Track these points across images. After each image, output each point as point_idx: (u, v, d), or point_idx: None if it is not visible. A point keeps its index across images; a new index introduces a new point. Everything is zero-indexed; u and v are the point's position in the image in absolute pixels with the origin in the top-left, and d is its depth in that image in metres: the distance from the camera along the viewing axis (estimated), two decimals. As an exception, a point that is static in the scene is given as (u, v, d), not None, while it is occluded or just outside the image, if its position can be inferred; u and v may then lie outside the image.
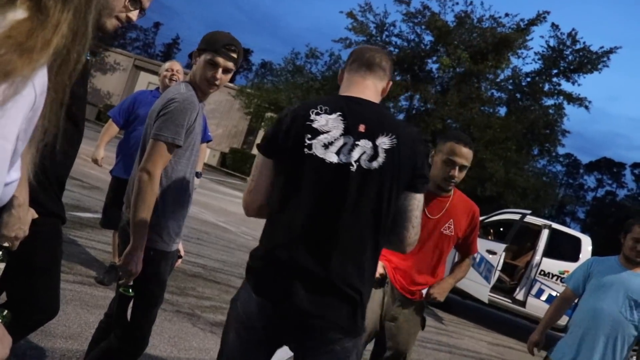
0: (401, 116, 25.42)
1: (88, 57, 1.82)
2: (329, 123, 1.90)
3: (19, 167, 0.87)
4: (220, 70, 2.49)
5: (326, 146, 1.88)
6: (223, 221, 10.89)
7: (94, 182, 9.97)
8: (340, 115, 1.92)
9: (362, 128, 1.90)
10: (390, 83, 2.14)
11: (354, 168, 1.86)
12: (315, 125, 1.90)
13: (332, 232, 1.85)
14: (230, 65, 2.51)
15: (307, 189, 1.87)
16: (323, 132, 1.89)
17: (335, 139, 1.89)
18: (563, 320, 7.36)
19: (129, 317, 2.49)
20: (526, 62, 36.75)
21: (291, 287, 1.83)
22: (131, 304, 2.48)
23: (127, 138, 4.92)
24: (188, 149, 2.51)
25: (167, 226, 2.49)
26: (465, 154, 2.88)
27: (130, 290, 2.43)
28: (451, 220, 2.97)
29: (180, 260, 2.90)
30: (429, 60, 25.45)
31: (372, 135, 1.89)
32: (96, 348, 2.58)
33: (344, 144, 1.88)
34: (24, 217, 1.79)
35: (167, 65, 4.92)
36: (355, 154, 1.87)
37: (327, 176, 1.87)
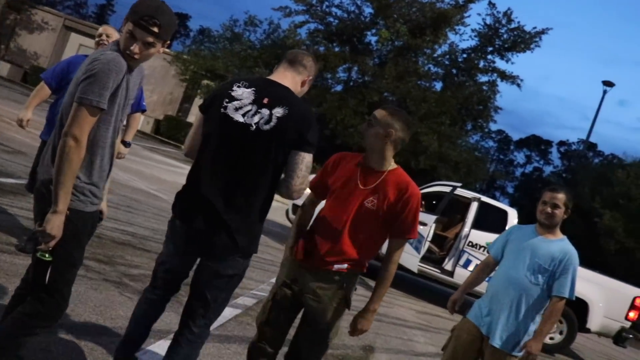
0: (339, 88, 25.46)
1: None
2: (244, 94, 2.63)
3: None
4: (138, 43, 2.37)
5: (237, 109, 2.60)
6: (155, 189, 10.66)
7: (18, 146, 9.54)
8: (254, 90, 2.64)
9: (265, 101, 2.60)
10: (310, 78, 2.85)
11: (253, 128, 2.57)
12: (233, 94, 2.64)
13: (229, 175, 2.58)
14: (150, 39, 2.37)
15: (217, 140, 2.61)
16: (237, 99, 2.62)
17: (244, 106, 2.60)
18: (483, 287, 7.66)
19: (47, 280, 2.41)
20: (463, 38, 37.49)
21: (197, 215, 2.62)
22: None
23: (58, 102, 4.71)
24: (112, 113, 2.43)
25: (84, 187, 2.44)
26: (374, 112, 2.95)
27: (47, 255, 2.36)
28: (377, 194, 2.86)
29: (102, 222, 2.83)
30: (368, 33, 25.49)
31: (271, 106, 2.59)
32: (14, 311, 2.49)
33: (249, 110, 2.59)
34: None
35: (100, 30, 4.71)
36: (256, 118, 2.57)
37: (232, 131, 2.58)
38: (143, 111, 5.21)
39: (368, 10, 25.23)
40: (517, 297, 3.51)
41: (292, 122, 2.56)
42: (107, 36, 4.57)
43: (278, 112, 2.57)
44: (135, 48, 2.37)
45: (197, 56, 28.06)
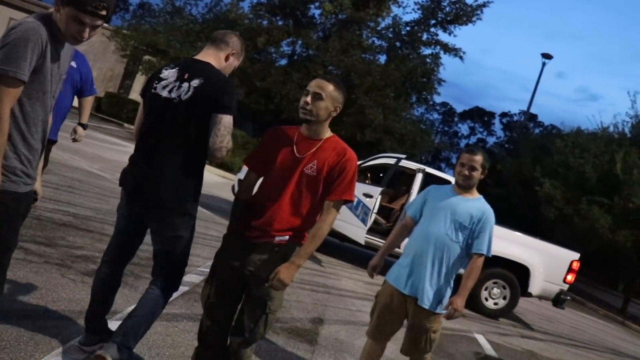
0: (283, 62, 25.23)
1: None
2: (169, 74, 3.03)
3: None
4: (87, 29, 2.33)
5: (164, 87, 2.99)
6: (97, 168, 10.40)
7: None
8: (178, 69, 3.05)
9: (186, 76, 2.98)
10: (234, 52, 3.16)
11: (176, 100, 2.94)
12: (162, 75, 3.05)
13: (158, 142, 2.97)
14: (99, 22, 2.34)
15: (150, 115, 3.04)
16: (164, 79, 3.02)
17: (170, 83, 2.99)
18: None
19: None
20: (406, 11, 37.60)
21: (133, 180, 3.02)
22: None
23: None
24: (40, 88, 2.34)
25: (14, 166, 2.36)
26: (316, 83, 2.94)
27: None
28: (315, 160, 2.90)
29: (37, 203, 2.75)
30: (312, 6, 25.22)
31: (190, 80, 2.95)
32: None
33: (174, 86, 2.97)
34: None
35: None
36: (178, 92, 2.95)
37: (160, 106, 2.98)
38: (94, 95, 5.25)
39: (311, -18, 24.99)
40: (439, 255, 3.59)
41: (206, 90, 2.92)
42: None
43: (195, 83, 2.94)
44: (85, 34, 2.33)
45: (138, 31, 27.17)
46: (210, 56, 3.11)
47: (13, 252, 2.53)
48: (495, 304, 9.41)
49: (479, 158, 3.64)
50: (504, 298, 9.41)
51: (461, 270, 3.70)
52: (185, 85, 2.95)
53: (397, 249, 5.06)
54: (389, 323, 3.79)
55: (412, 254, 3.68)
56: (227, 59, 3.16)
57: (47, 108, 2.46)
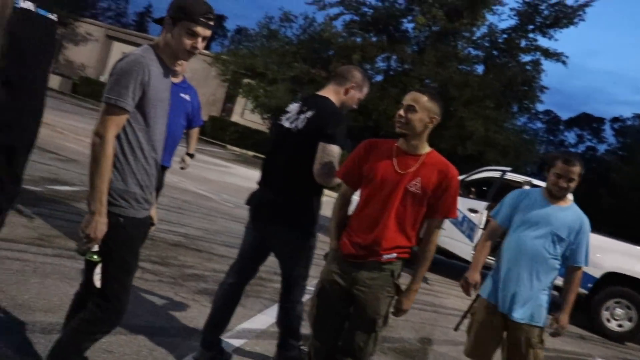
0: (378, 78, 25.24)
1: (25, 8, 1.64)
2: (293, 107, 3.40)
3: None
4: (200, 39, 2.44)
5: (287, 119, 3.35)
6: (204, 189, 10.82)
7: (71, 154, 9.82)
8: (301, 103, 3.39)
9: (304, 109, 3.31)
10: (352, 85, 3.39)
11: (294, 130, 3.26)
12: (287, 109, 3.45)
13: (278, 167, 3.31)
14: (209, 33, 2.47)
15: (273, 142, 3.44)
16: (289, 112, 3.40)
17: (292, 116, 3.34)
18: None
19: (96, 282, 2.46)
20: (502, 18, 36.46)
21: (256, 200, 3.40)
22: (104, 272, 2.45)
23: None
24: (147, 114, 2.44)
25: (133, 192, 2.47)
26: (413, 96, 2.87)
27: (95, 256, 2.41)
28: (419, 177, 2.83)
29: (153, 228, 2.87)
30: (404, 20, 25.14)
31: (306, 112, 3.28)
32: (75, 318, 2.56)
33: (295, 118, 3.30)
34: None
35: None
36: (296, 123, 3.27)
37: (282, 135, 3.33)
38: (200, 126, 5.59)
39: (402, -4, 24.91)
40: (536, 267, 3.39)
41: (315, 120, 3.20)
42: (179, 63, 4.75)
43: (308, 114, 3.25)
44: (198, 44, 2.44)
45: (236, 56, 28.26)
46: (330, 91, 3.39)
47: (134, 275, 2.64)
48: (620, 325, 8.39)
49: (577, 169, 3.41)
50: (630, 319, 8.38)
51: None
52: (302, 116, 3.27)
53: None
54: (487, 341, 3.60)
55: (506, 267, 3.49)
56: (347, 92, 3.39)
57: (160, 135, 2.56)
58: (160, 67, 2.47)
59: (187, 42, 2.43)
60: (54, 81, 32.07)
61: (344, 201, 3.10)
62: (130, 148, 2.43)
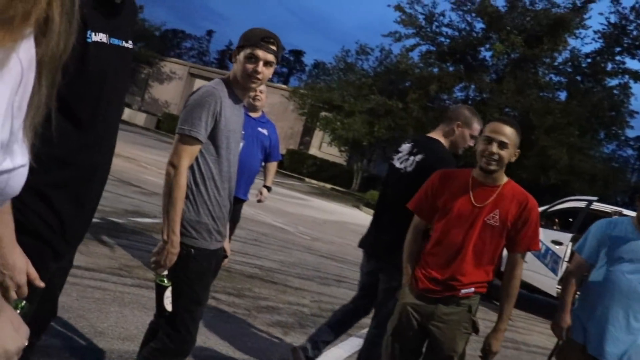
0: (457, 108, 24.89)
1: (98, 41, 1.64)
2: (405, 148, 3.54)
3: (25, 152, 0.83)
4: (260, 63, 2.45)
5: (399, 159, 3.51)
6: (281, 222, 10.92)
7: (153, 187, 10.19)
8: (412, 144, 3.54)
9: (414, 150, 3.46)
10: (458, 123, 3.45)
11: (402, 171, 3.44)
12: (400, 149, 3.59)
13: (388, 206, 3.55)
14: (270, 57, 2.47)
15: (385, 180, 3.74)
16: (400, 152, 3.55)
17: (403, 156, 3.50)
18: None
19: (167, 305, 2.47)
20: (585, 42, 34.97)
21: (368, 243, 3.62)
22: (174, 303, 2.47)
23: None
24: (219, 145, 2.48)
25: (205, 223, 2.49)
26: (501, 129, 2.73)
27: (165, 280, 2.44)
28: (497, 210, 2.73)
29: (226, 260, 2.88)
30: (482, 49, 24.80)
31: (416, 154, 3.42)
32: (147, 346, 2.60)
33: (405, 159, 3.46)
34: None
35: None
36: (406, 163, 3.43)
37: (392, 174, 3.56)
38: (279, 161, 5.64)
39: (479, 25, 24.61)
40: (630, 306, 3.10)
41: (424, 164, 3.33)
42: (260, 92, 4.83)
43: (418, 157, 3.40)
44: (258, 67, 2.45)
45: (314, 90, 28.76)
46: (439, 133, 3.52)
47: (205, 306, 2.65)
48: None
49: None
50: None
51: None
52: (412, 159, 3.41)
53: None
54: None
55: (596, 305, 3.22)
56: (454, 131, 3.48)
57: (233, 166, 2.59)
58: (231, 99, 2.51)
59: (249, 66, 2.45)
60: (140, 118, 33.72)
61: (417, 234, 3.02)
62: (202, 179, 2.47)
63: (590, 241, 3.37)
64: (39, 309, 1.75)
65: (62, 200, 1.64)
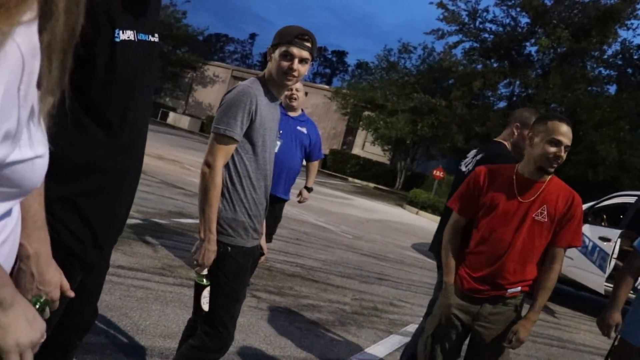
0: (502, 104, 24.49)
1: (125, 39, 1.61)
2: (471, 153, 3.77)
3: (43, 142, 0.83)
4: (296, 60, 2.46)
5: (465, 164, 3.71)
6: (323, 221, 10.95)
7: (196, 189, 10.34)
8: (476, 149, 3.77)
9: (477, 152, 3.67)
10: (517, 124, 3.51)
11: (465, 172, 3.53)
12: (468, 154, 3.79)
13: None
14: (305, 54, 2.47)
15: (452, 187, 3.72)
16: (466, 158, 3.75)
17: (468, 160, 3.69)
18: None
19: (204, 305, 2.51)
20: (637, 33, 33.61)
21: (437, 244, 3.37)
22: (212, 300, 2.51)
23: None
24: (255, 143, 2.50)
25: (242, 221, 2.52)
26: (567, 133, 2.68)
27: (205, 280, 2.48)
28: (544, 206, 2.69)
29: (263, 258, 2.91)
30: (527, 44, 24.29)
31: (477, 155, 3.62)
32: (186, 343, 2.65)
33: (470, 162, 3.64)
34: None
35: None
36: (468, 166, 3.60)
37: (460, 178, 3.51)
38: (321, 159, 5.64)
39: (524, 20, 24.12)
40: None
41: (483, 161, 3.39)
42: (297, 90, 4.82)
43: (478, 157, 3.59)
44: (293, 64, 2.45)
45: (356, 89, 28.71)
46: (502, 137, 3.68)
47: (242, 304, 2.69)
48: None
49: None
50: None
51: None
52: (474, 160, 3.61)
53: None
54: None
55: None
56: (513, 133, 3.56)
57: (269, 164, 2.62)
58: (267, 97, 2.54)
59: (284, 64, 2.46)
60: (184, 121, 34.29)
61: (457, 232, 2.96)
62: (238, 177, 2.50)
63: None
64: (81, 313, 1.82)
65: (92, 209, 1.63)
